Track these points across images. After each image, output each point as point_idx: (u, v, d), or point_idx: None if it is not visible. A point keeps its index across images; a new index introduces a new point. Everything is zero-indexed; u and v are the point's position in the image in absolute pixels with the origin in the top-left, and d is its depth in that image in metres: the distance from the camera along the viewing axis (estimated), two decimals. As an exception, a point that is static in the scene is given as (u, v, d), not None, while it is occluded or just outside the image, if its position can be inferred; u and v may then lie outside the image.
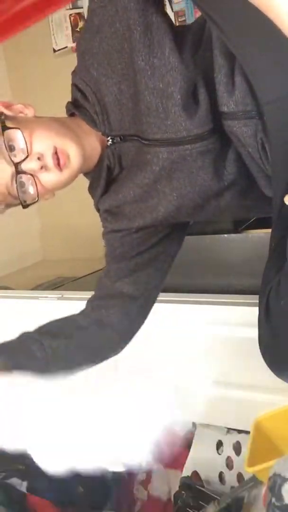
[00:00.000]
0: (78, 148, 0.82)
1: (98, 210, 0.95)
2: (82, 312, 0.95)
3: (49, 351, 0.87)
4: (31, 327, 1.51)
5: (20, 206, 0.85)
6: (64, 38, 2.21)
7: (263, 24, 0.64)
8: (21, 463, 1.72)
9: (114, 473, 2.05)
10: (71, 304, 1.40)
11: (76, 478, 1.72)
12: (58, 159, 0.80)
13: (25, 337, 0.91)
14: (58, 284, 1.75)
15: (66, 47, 2.21)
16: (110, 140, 0.86)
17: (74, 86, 0.87)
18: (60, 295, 1.45)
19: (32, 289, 1.76)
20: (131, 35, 0.75)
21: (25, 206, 0.84)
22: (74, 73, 0.87)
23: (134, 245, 0.91)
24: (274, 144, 0.74)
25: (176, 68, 0.75)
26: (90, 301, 0.96)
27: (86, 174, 0.93)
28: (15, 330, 1.56)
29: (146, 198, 0.85)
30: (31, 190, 0.82)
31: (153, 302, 0.96)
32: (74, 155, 0.82)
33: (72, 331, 0.92)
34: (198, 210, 0.86)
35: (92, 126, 0.86)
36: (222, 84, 0.75)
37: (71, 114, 0.90)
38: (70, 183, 0.86)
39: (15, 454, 0.69)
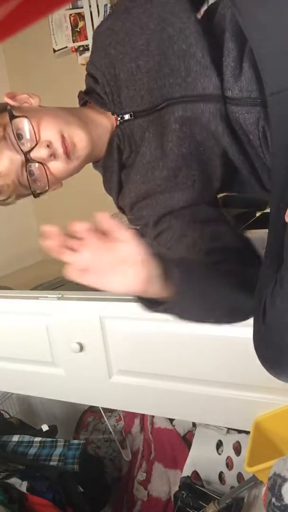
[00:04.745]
0: (86, 134, 0.83)
1: (120, 208, 0.93)
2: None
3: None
4: (31, 327, 1.52)
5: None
6: (64, 38, 2.20)
7: (282, 10, 0.64)
8: (21, 463, 1.72)
9: (114, 473, 2.06)
10: (71, 304, 1.40)
11: (76, 478, 1.73)
12: (66, 147, 0.80)
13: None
14: (58, 284, 1.74)
15: (66, 47, 2.21)
16: (119, 118, 0.85)
17: (88, 75, 0.88)
18: (60, 295, 1.45)
19: (32, 289, 1.75)
20: (164, 8, 0.79)
21: (36, 195, 0.84)
22: (88, 62, 0.88)
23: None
24: (276, 136, 0.73)
25: (198, 31, 0.78)
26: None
27: (96, 166, 0.92)
28: (15, 330, 1.57)
29: (176, 172, 0.83)
30: (41, 178, 0.82)
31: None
32: (81, 142, 0.82)
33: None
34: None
35: (101, 107, 0.86)
36: (229, 68, 0.76)
37: (83, 104, 0.91)
38: (79, 171, 0.87)
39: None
